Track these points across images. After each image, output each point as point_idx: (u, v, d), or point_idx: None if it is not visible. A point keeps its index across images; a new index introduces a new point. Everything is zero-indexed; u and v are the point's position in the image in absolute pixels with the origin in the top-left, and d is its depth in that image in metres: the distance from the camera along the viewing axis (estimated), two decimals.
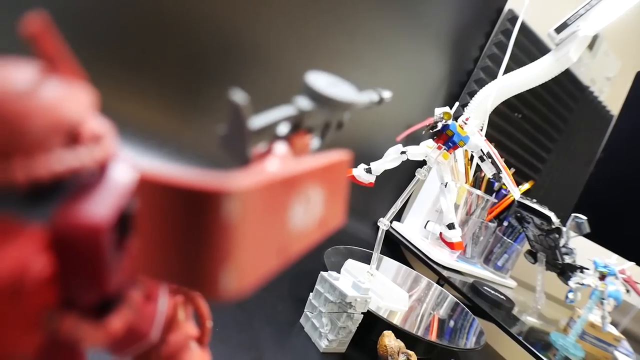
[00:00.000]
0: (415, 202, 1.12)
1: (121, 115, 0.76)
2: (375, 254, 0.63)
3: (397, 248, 1.10)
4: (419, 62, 1.05)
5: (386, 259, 0.86)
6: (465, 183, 1.01)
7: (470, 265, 1.02)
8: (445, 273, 0.93)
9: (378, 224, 0.61)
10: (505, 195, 1.06)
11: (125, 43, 0.75)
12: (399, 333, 0.58)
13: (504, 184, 1.09)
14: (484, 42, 1.11)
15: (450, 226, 0.60)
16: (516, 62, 1.05)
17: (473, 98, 1.04)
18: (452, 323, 0.73)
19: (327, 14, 0.91)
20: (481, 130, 1.04)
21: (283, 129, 0.16)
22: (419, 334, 0.65)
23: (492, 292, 0.88)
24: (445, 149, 0.59)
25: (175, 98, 0.83)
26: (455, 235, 0.60)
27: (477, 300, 0.83)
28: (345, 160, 0.16)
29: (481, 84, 1.06)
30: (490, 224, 1.04)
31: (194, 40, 0.81)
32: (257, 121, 0.14)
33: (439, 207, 1.03)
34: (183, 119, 0.83)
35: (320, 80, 0.17)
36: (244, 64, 0.86)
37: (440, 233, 0.61)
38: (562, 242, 0.85)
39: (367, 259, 0.69)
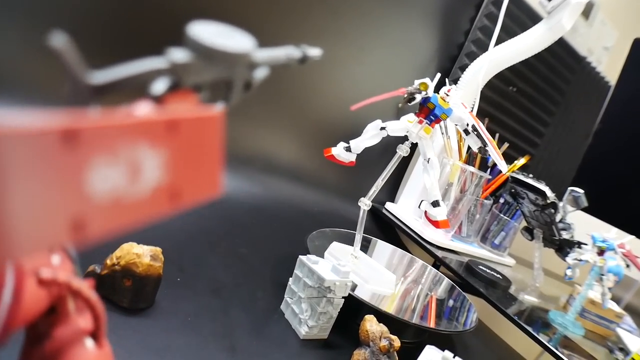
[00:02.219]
0: (408, 181, 1.09)
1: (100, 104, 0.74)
2: (358, 235, 0.61)
3: (392, 231, 1.07)
4: (407, 37, 1.01)
5: (380, 242, 0.83)
6: (459, 160, 0.97)
7: (466, 245, 1.00)
8: (439, 253, 0.90)
9: (359, 204, 0.58)
10: (500, 171, 1.02)
11: (107, 28, 0.71)
12: (386, 317, 0.55)
13: None
14: (474, 14, 1.07)
15: (435, 204, 0.57)
16: (508, 33, 1.01)
17: (464, 72, 1.01)
18: (448, 306, 0.71)
19: None
20: (473, 105, 1.01)
21: (160, 86, 0.13)
22: (414, 317, 0.62)
23: (488, 271, 0.85)
24: (427, 122, 0.56)
25: None
26: (440, 213, 0.57)
27: (472, 280, 0.80)
28: (211, 117, 0.13)
29: (473, 57, 1.03)
30: (485, 201, 1.01)
31: (170, 21, 0.78)
32: (103, 75, 0.12)
33: None
34: None
35: (206, 30, 0.14)
36: None
37: (425, 211, 0.59)
38: (558, 217, 0.83)
39: (347, 238, 0.66)
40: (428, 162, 0.57)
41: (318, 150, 0.94)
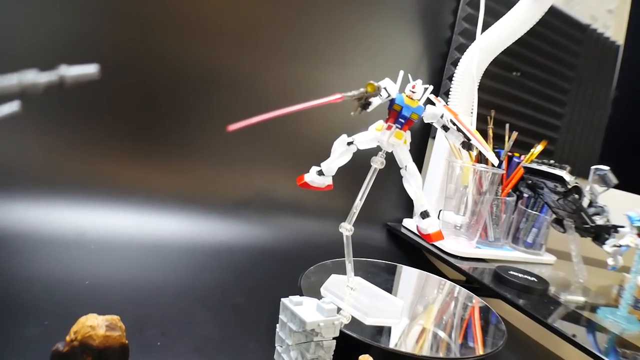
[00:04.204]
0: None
1: (83, 173, 0.72)
2: (349, 265, 0.55)
3: (416, 251, 0.99)
4: (388, 44, 0.96)
5: (405, 267, 0.77)
6: (469, 160, 0.90)
7: (496, 250, 0.91)
8: (466, 265, 0.82)
9: (340, 229, 0.52)
10: (519, 163, 0.94)
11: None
12: (393, 353, 0.49)
13: (512, 152, 0.97)
14: (455, 4, 1.01)
15: (424, 215, 0.51)
16: (495, 16, 0.94)
17: (457, 67, 0.95)
18: (477, 326, 0.63)
19: (273, 19, 0.85)
20: (473, 99, 0.94)
21: None
22: (453, 346, 0.55)
23: (520, 275, 0.76)
24: (397, 127, 0.50)
25: (132, 144, 0.78)
26: (431, 225, 0.50)
27: (502, 289, 0.72)
28: None
29: (463, 50, 0.96)
30: (508, 198, 0.92)
31: (141, 76, 0.77)
32: None
33: (448, 193, 0.92)
34: (144, 163, 0.79)
35: None
36: (196, 90, 0.81)
37: (417, 226, 0.52)
38: (586, 201, 0.74)
39: (362, 270, 0.60)
40: (406, 169, 0.51)
41: None
